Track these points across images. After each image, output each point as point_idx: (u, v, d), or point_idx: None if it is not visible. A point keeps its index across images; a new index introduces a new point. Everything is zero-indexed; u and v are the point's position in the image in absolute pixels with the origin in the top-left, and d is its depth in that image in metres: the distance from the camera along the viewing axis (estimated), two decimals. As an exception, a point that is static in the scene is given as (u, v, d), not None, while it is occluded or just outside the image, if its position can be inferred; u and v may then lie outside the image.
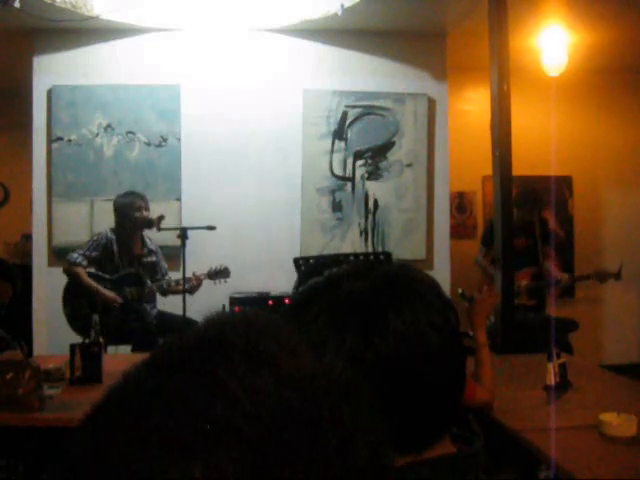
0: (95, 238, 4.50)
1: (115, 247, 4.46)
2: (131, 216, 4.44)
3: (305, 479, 0.38)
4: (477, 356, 2.54)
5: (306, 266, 2.25)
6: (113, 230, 4.50)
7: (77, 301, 4.40)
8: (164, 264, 4.66)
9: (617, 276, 4.95)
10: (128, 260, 4.50)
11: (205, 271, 4.48)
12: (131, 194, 4.56)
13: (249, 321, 0.47)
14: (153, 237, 4.63)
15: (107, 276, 4.43)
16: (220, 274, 4.51)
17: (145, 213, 4.46)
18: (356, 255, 4.72)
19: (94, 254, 4.42)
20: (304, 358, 0.45)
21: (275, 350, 0.44)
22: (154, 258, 4.60)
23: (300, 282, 2.23)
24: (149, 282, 4.49)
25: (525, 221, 5.13)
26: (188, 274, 4.29)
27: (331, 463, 0.40)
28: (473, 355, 2.52)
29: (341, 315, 0.80)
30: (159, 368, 0.43)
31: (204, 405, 0.39)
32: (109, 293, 4.36)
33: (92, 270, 4.45)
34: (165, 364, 0.43)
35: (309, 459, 0.39)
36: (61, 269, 4.53)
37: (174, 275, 4.56)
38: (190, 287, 4.35)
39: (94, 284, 4.37)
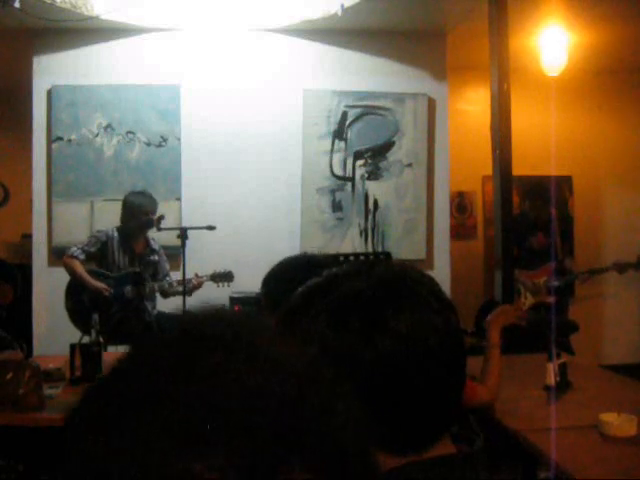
0: (96, 234, 4.52)
1: (116, 245, 4.47)
2: (137, 217, 4.44)
3: (295, 461, 0.40)
4: (487, 355, 2.53)
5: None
6: (117, 228, 4.50)
7: (78, 296, 4.41)
8: (166, 265, 4.66)
9: (637, 266, 4.84)
10: (130, 258, 4.50)
11: (208, 273, 4.48)
12: (143, 196, 4.56)
13: (224, 315, 0.49)
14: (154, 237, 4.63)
15: (108, 273, 4.44)
16: (223, 277, 4.51)
17: (151, 216, 4.47)
18: (356, 255, 4.71)
19: (92, 250, 4.43)
20: (287, 348, 0.47)
21: (259, 340, 0.46)
22: (156, 258, 4.60)
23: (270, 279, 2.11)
24: (150, 281, 4.49)
25: (541, 217, 5.02)
26: (188, 274, 4.29)
27: (319, 448, 0.41)
28: (481, 354, 2.53)
29: (341, 315, 0.80)
30: (148, 366, 0.45)
31: (194, 398, 0.41)
32: (97, 283, 4.35)
33: (93, 267, 4.46)
34: (153, 362, 0.45)
35: (297, 442, 0.41)
36: (62, 269, 4.53)
37: (174, 275, 4.56)
38: (189, 288, 4.35)
39: (84, 274, 4.36)
